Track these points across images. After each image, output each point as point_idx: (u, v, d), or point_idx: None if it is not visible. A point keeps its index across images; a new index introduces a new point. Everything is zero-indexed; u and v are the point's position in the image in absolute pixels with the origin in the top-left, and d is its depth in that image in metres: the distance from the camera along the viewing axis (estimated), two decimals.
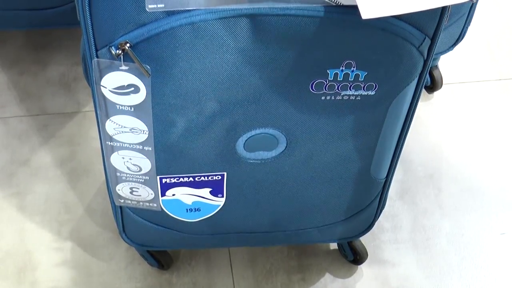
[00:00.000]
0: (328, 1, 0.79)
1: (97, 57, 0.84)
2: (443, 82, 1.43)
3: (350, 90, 0.91)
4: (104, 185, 1.20)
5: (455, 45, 1.35)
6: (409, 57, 0.88)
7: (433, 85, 1.43)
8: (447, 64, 1.47)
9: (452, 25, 1.26)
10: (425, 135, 1.40)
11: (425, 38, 0.86)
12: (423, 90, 1.43)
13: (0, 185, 1.31)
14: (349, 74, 0.89)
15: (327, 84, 0.90)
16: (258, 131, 0.96)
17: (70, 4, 1.28)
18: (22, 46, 1.47)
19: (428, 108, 1.43)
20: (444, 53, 1.36)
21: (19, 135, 1.36)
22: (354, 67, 0.88)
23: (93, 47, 0.84)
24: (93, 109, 1.33)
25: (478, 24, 1.53)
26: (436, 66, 1.42)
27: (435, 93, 1.44)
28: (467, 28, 1.33)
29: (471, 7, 1.26)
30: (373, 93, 0.91)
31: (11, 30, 1.46)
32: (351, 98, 0.92)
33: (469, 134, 1.41)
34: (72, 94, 1.42)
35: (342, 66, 0.88)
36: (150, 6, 0.77)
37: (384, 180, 1.09)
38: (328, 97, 0.92)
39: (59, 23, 1.34)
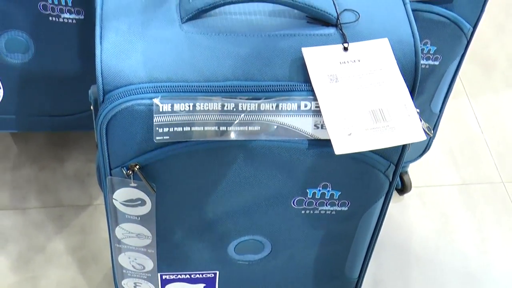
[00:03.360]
0: (307, 135, 0.83)
1: (110, 175, 0.88)
2: (412, 186, 1.46)
3: (326, 206, 0.95)
4: (110, 272, 1.22)
5: (422, 155, 1.39)
6: (377, 180, 0.92)
7: (403, 188, 1.45)
8: (416, 169, 1.49)
9: None
10: (396, 232, 1.41)
11: (390, 165, 0.91)
12: (395, 192, 1.46)
13: (18, 269, 1.32)
14: (326, 193, 0.93)
15: (306, 201, 0.94)
16: (247, 237, 1.00)
17: (87, 112, 1.29)
18: (43, 144, 1.48)
19: (399, 208, 1.45)
20: (412, 162, 1.40)
21: (37, 224, 1.37)
22: (329, 188, 0.92)
23: (108, 167, 0.88)
24: (103, 202, 1.36)
25: (443, 135, 1.56)
26: (406, 172, 1.45)
27: (405, 195, 1.46)
28: (432, 141, 1.37)
29: (435, 124, 1.31)
30: (346, 208, 0.95)
31: (34, 132, 1.49)
32: (327, 212, 0.96)
33: (435, 232, 1.42)
34: (85, 188, 1.43)
35: (320, 187, 0.92)
36: (157, 138, 0.82)
37: (357, 279, 1.13)
38: (307, 211, 0.95)
39: (77, 127, 1.36)
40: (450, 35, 1.11)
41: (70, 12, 1.15)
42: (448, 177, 1.51)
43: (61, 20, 1.16)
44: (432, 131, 0.92)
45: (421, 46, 1.10)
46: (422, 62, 1.14)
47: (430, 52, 1.14)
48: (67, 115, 1.33)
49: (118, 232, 0.97)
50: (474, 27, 1.13)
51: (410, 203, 1.47)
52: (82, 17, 1.15)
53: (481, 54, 1.74)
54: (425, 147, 1.37)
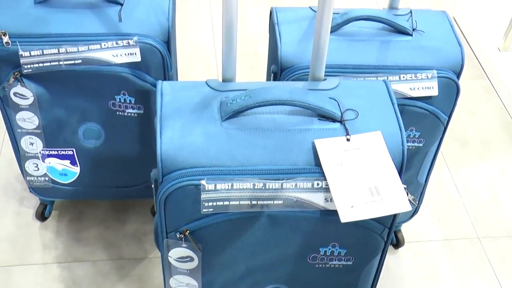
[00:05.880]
0: (320, 207, 0.86)
1: (167, 238, 0.91)
2: (405, 241, 1.46)
3: (335, 261, 0.96)
4: None
5: (412, 217, 1.39)
6: (374, 240, 0.94)
7: (397, 243, 1.46)
8: (408, 228, 1.50)
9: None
10: (392, 280, 1.41)
11: (384, 229, 0.93)
12: (391, 246, 1.46)
13: None
14: (334, 251, 0.95)
15: (319, 257, 0.95)
16: (272, 286, 1.01)
17: (143, 185, 1.34)
18: (107, 209, 1.50)
19: (394, 260, 1.45)
20: (404, 222, 1.41)
21: (103, 274, 1.38)
22: (337, 247, 0.94)
23: (165, 231, 0.90)
24: (156, 256, 1.38)
25: (428, 200, 1.57)
26: (400, 230, 1.46)
27: (400, 249, 1.47)
28: (420, 205, 1.38)
29: (422, 192, 1.31)
30: (350, 263, 0.97)
31: (102, 200, 1.51)
32: (335, 266, 0.97)
33: (424, 280, 1.42)
34: (141, 244, 1.44)
35: (330, 246, 0.94)
36: (204, 210, 0.85)
37: None
38: (320, 265, 0.97)
39: (135, 196, 1.39)
40: (430, 123, 1.14)
41: (133, 108, 1.20)
42: (433, 234, 1.51)
43: (126, 114, 1.21)
44: (417, 202, 0.94)
45: (407, 132, 1.14)
46: (408, 144, 1.17)
47: (415, 137, 1.16)
48: (128, 187, 1.37)
49: (172, 282, 0.99)
50: (449, 116, 1.16)
51: (403, 256, 1.46)
52: (142, 111, 1.21)
53: (458, 134, 1.76)
54: (414, 211, 1.38)
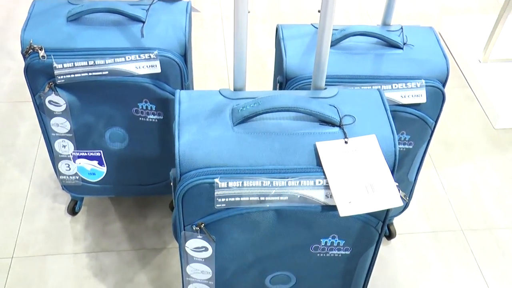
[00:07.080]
0: (321, 202, 0.86)
1: (184, 230, 0.91)
2: (397, 233, 1.45)
3: (334, 250, 0.96)
4: None
5: (403, 211, 1.39)
6: (370, 232, 0.94)
7: (390, 235, 1.45)
8: (399, 221, 1.49)
9: None
10: (385, 268, 1.40)
11: (379, 222, 0.92)
12: (384, 238, 1.44)
13: None
14: (334, 242, 0.94)
15: (320, 247, 0.95)
16: (278, 272, 1.01)
17: (163, 183, 1.34)
18: (131, 205, 1.49)
19: (387, 250, 1.44)
20: (396, 216, 1.40)
21: (127, 262, 1.38)
22: (337, 238, 0.94)
23: (182, 224, 0.90)
24: (174, 246, 1.37)
25: (418, 196, 1.56)
26: (392, 223, 1.45)
27: (392, 240, 1.46)
28: (410, 201, 1.37)
29: (411, 189, 1.30)
30: (348, 252, 0.97)
31: (126, 197, 1.50)
32: (335, 255, 0.97)
33: (414, 268, 1.41)
34: (160, 236, 1.43)
35: (330, 237, 0.93)
36: (217, 205, 0.85)
37: None
38: (321, 254, 0.97)
39: (156, 193, 1.38)
40: (419, 127, 1.14)
41: (154, 114, 1.20)
42: (422, 226, 1.50)
43: (147, 119, 1.21)
44: (407, 197, 0.94)
45: (399, 135, 1.14)
46: (400, 146, 1.16)
47: (406, 140, 1.16)
48: (149, 185, 1.36)
49: (188, 269, 0.99)
50: (436, 121, 1.15)
51: (395, 246, 1.46)
52: (162, 117, 1.21)
53: (444, 137, 1.75)
54: (405, 206, 1.38)
